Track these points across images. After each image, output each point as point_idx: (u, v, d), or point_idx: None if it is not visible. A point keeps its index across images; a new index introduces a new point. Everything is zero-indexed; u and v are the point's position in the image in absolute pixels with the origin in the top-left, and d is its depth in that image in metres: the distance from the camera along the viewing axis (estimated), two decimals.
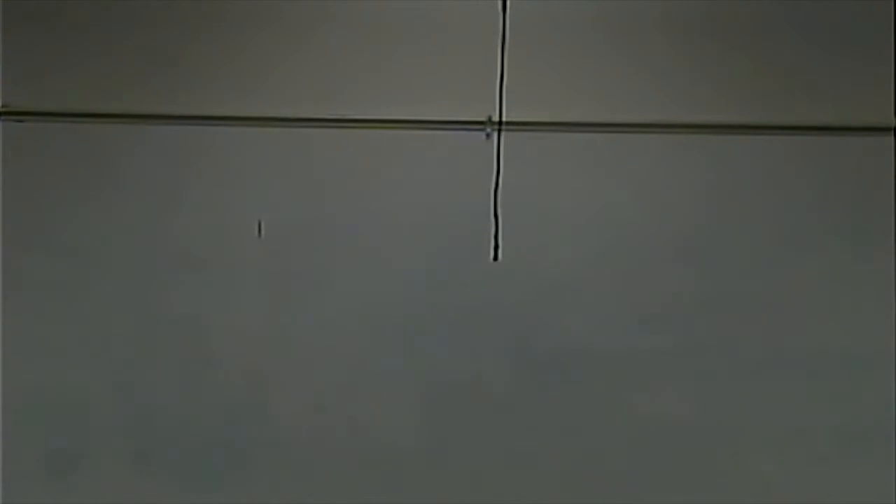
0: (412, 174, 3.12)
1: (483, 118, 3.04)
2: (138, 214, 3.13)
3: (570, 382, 3.07)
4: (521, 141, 3.03)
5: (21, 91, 3.15)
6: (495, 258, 2.86)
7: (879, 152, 3.09)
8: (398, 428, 3.08)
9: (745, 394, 3.06)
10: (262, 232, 3.12)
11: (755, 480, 3.05)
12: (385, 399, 3.09)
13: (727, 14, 3.14)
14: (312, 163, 3.14)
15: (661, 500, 3.05)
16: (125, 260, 3.12)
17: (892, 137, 3.08)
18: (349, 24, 3.16)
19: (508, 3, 2.74)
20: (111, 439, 3.09)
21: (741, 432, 3.06)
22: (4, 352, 3.09)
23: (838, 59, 3.12)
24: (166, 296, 3.11)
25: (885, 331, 3.05)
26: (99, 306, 3.11)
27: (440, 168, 3.11)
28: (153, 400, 3.10)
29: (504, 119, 2.93)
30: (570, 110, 3.11)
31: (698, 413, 3.06)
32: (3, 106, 3.14)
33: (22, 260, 3.11)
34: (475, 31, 3.04)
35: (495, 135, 2.97)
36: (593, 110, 3.11)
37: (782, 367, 3.06)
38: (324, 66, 3.15)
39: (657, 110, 3.11)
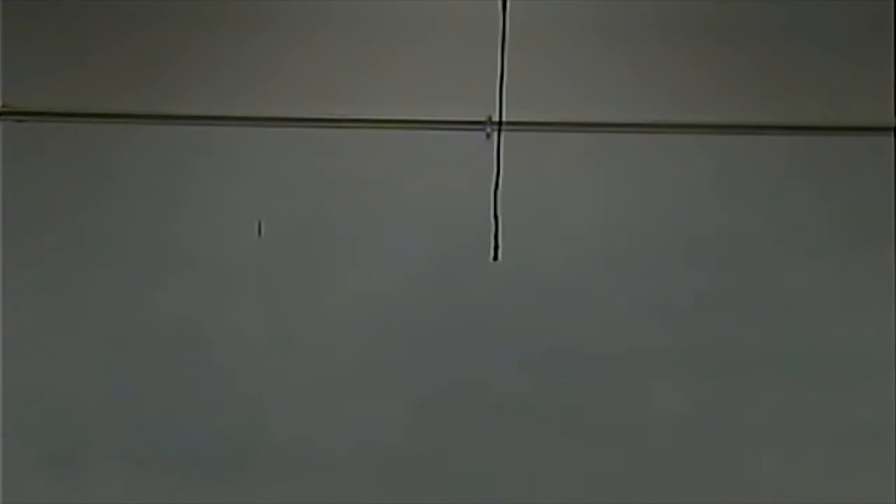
0: (412, 174, 3.12)
1: (483, 118, 3.04)
2: (138, 214, 3.13)
3: (571, 382, 3.07)
4: (521, 141, 3.03)
5: (21, 91, 3.15)
6: (495, 258, 2.86)
7: (879, 152, 3.09)
8: (398, 428, 3.08)
9: (745, 394, 3.06)
10: (262, 232, 3.12)
11: (755, 480, 3.05)
12: (385, 399, 3.08)
13: (727, 14, 3.14)
14: (312, 163, 3.14)
15: (662, 500, 3.05)
16: (125, 260, 3.12)
17: (892, 137, 3.08)
18: (349, 24, 3.16)
19: (508, 3, 2.74)
20: (111, 439, 3.09)
21: (741, 432, 3.06)
22: (4, 352, 3.09)
23: (838, 59, 3.12)
24: (166, 295, 3.11)
25: (885, 331, 3.05)
26: (99, 306, 3.11)
27: (440, 168, 3.11)
28: (153, 400, 3.10)
29: (504, 119, 2.93)
30: (570, 110, 3.11)
31: (698, 413, 3.06)
32: (3, 106, 3.14)
33: (22, 260, 3.11)
34: (475, 31, 3.04)
35: (495, 135, 2.97)
36: (593, 110, 3.11)
37: (782, 367, 3.06)
38: (324, 66, 3.15)
39: (657, 110, 3.11)
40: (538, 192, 3.10)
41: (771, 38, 3.14)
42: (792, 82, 3.13)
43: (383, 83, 3.14)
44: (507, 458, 3.07)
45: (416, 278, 3.10)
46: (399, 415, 3.08)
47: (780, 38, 3.13)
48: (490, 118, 3.01)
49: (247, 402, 3.09)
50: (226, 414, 3.09)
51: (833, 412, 3.04)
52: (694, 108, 3.11)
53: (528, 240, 3.05)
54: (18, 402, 3.09)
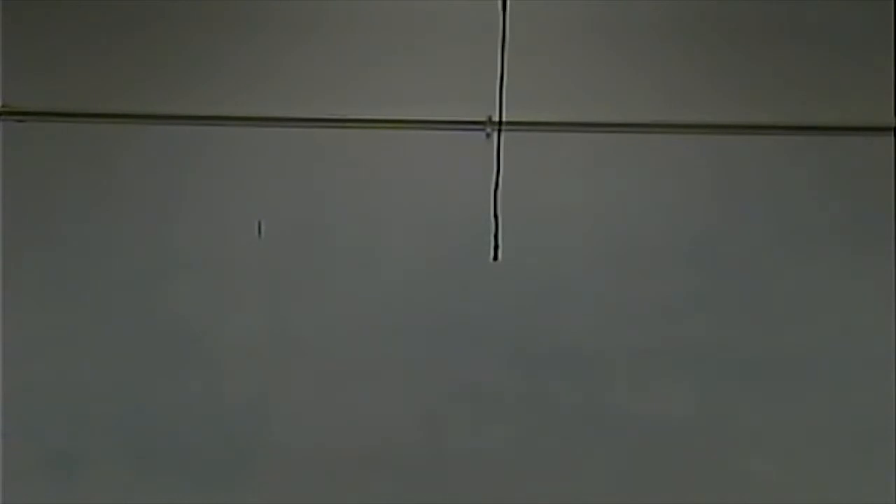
0: (412, 174, 3.12)
1: (483, 118, 3.04)
2: (138, 214, 3.13)
3: (570, 382, 3.07)
4: (521, 141, 3.03)
5: (21, 91, 3.15)
6: (495, 258, 2.85)
7: (879, 152, 3.09)
8: (398, 428, 3.08)
9: (745, 394, 3.06)
10: (262, 232, 3.12)
11: (755, 480, 3.05)
12: (384, 398, 3.08)
13: (727, 14, 3.14)
14: (312, 163, 3.14)
15: (662, 500, 3.05)
16: (125, 260, 3.12)
17: (892, 137, 3.08)
18: (349, 24, 3.16)
19: (508, 3, 2.74)
20: (111, 439, 3.09)
21: (741, 432, 3.06)
22: (4, 351, 3.09)
23: (838, 59, 3.12)
24: (166, 295, 3.11)
25: (885, 331, 3.05)
26: (99, 306, 3.11)
27: (440, 168, 3.11)
28: (153, 400, 3.10)
29: (504, 119, 2.93)
30: (570, 110, 3.11)
31: (698, 413, 3.06)
32: (3, 106, 3.14)
33: (22, 260, 3.12)
34: (475, 31, 3.04)
35: (495, 135, 2.96)
36: (593, 110, 3.11)
37: (782, 367, 3.06)
38: (324, 66, 3.15)
39: (657, 110, 3.11)
40: (538, 192, 3.10)
41: (771, 38, 3.14)
42: (792, 82, 3.13)
43: (383, 83, 3.14)
44: (507, 458, 3.07)
45: (416, 278, 3.10)
46: (399, 414, 3.08)
47: (780, 38, 3.14)
48: (490, 118, 3.01)
49: (247, 402, 3.09)
50: (226, 414, 3.09)
51: (833, 412, 3.04)
52: (694, 108, 3.11)
53: (528, 240, 3.05)
54: (19, 403, 3.09)
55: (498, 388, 3.08)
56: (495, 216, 2.89)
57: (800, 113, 3.11)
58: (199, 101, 3.14)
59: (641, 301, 3.08)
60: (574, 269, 3.09)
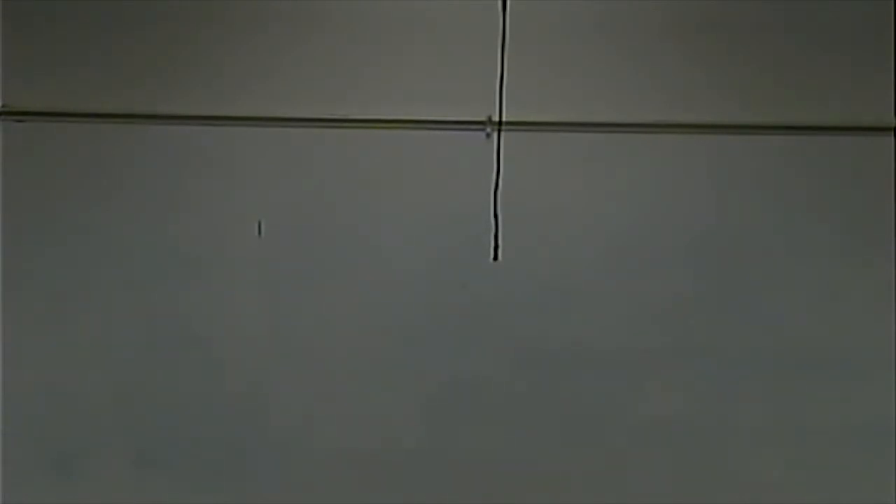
0: (412, 174, 3.12)
1: (483, 118, 3.04)
2: (138, 214, 3.13)
3: (571, 382, 3.07)
4: (521, 141, 3.03)
5: (21, 91, 3.15)
6: (495, 258, 2.85)
7: (879, 152, 3.09)
8: (398, 428, 3.08)
9: (745, 394, 3.06)
10: (262, 232, 3.12)
11: (755, 480, 3.05)
12: (385, 399, 3.08)
13: (727, 14, 3.14)
14: (312, 163, 3.14)
15: (662, 500, 3.05)
16: (125, 260, 3.12)
17: (892, 137, 3.08)
18: (349, 24, 3.16)
19: (508, 3, 2.74)
20: (111, 439, 3.09)
21: (741, 432, 3.06)
22: (4, 352, 3.09)
23: (838, 59, 3.13)
24: (166, 295, 3.11)
25: (885, 331, 3.05)
26: (99, 306, 3.11)
27: (440, 168, 3.11)
28: (153, 400, 3.10)
29: (504, 119, 2.93)
30: (570, 110, 3.11)
31: (698, 413, 3.06)
32: (3, 106, 3.14)
33: (22, 260, 3.12)
34: (475, 31, 3.04)
35: (495, 135, 2.96)
36: (593, 110, 3.11)
37: (782, 367, 3.06)
38: (324, 66, 3.15)
39: (657, 110, 3.11)
40: (538, 192, 3.10)
41: (771, 38, 3.14)
42: (792, 82, 3.13)
43: (383, 83, 3.14)
44: (507, 458, 3.07)
45: (416, 278, 3.10)
46: (398, 414, 3.08)
47: (780, 38, 3.14)
48: (490, 118, 3.01)
49: (247, 402, 3.09)
50: (226, 414, 3.09)
51: (833, 412, 3.04)
52: (694, 108, 3.11)
53: (528, 240, 3.05)
54: (19, 403, 3.08)
55: (498, 387, 3.08)
56: (495, 216, 2.89)
57: (800, 113, 3.11)
58: (199, 101, 3.14)
59: (641, 300, 3.08)
60: (574, 269, 3.09)
